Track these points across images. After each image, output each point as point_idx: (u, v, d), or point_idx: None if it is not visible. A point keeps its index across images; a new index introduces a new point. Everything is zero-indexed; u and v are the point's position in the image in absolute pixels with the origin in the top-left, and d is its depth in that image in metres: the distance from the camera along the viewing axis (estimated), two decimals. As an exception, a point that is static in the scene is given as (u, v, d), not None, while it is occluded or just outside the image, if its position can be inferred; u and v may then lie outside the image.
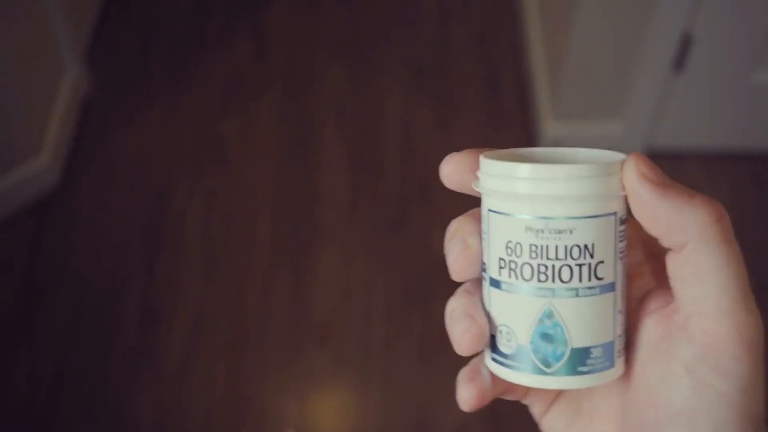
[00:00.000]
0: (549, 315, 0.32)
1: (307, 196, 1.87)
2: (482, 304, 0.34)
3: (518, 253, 0.32)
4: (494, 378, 0.34)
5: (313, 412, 1.59)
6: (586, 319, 0.32)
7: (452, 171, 0.34)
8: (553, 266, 0.31)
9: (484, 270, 0.34)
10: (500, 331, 0.33)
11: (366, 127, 2.00)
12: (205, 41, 2.17)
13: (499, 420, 1.52)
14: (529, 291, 0.32)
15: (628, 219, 0.33)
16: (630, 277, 0.34)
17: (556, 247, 0.31)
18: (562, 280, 0.32)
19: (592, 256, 0.31)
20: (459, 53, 2.14)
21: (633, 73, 1.76)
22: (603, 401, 0.34)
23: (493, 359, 0.34)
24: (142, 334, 1.65)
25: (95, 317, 1.68)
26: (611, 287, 0.32)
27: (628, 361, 0.33)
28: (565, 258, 0.31)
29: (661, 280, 0.32)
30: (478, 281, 0.35)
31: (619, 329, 0.32)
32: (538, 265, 0.32)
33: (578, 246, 0.31)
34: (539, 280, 0.32)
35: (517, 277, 0.32)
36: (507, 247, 0.32)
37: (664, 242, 0.30)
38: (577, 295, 0.32)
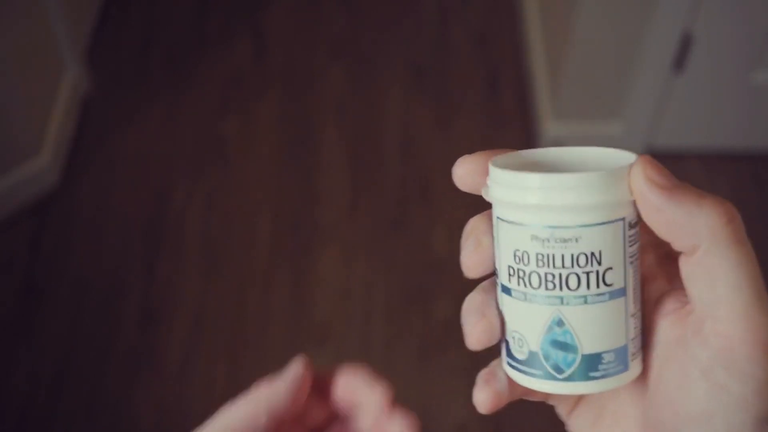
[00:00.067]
0: (558, 323, 0.32)
1: (307, 196, 1.87)
2: (496, 303, 0.34)
3: (526, 261, 0.32)
4: (511, 381, 0.35)
5: (313, 412, 1.59)
6: (596, 326, 0.32)
7: (465, 173, 0.34)
8: (560, 275, 0.31)
9: (496, 274, 0.34)
10: (513, 337, 0.33)
11: (366, 127, 2.00)
12: (205, 41, 2.17)
13: (499, 420, 1.52)
14: (538, 299, 0.32)
15: (639, 222, 0.32)
16: (645, 279, 0.34)
17: (563, 255, 0.31)
18: (569, 288, 0.31)
19: (599, 263, 0.31)
20: (459, 53, 2.14)
21: (633, 73, 1.76)
22: (626, 402, 0.34)
23: (509, 363, 0.34)
24: (142, 334, 1.65)
25: (95, 317, 1.68)
26: (621, 292, 0.32)
27: (646, 363, 0.33)
28: (572, 266, 0.31)
29: (676, 282, 0.32)
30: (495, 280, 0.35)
31: (633, 332, 0.32)
32: (546, 273, 0.32)
33: (585, 254, 0.31)
34: (547, 289, 0.32)
35: (525, 285, 0.32)
36: (515, 256, 0.32)
37: (676, 246, 0.30)
38: (585, 302, 0.32)
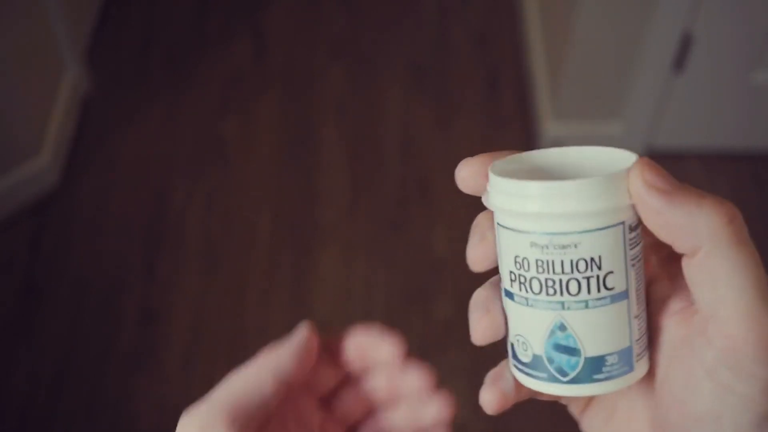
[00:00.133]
0: (561, 327, 0.32)
1: (307, 196, 1.87)
2: (501, 303, 0.35)
3: (526, 267, 0.32)
4: (518, 382, 0.35)
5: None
6: (598, 329, 0.32)
7: (467, 176, 0.34)
8: (560, 280, 0.31)
9: (500, 278, 0.34)
10: (517, 340, 0.34)
11: (366, 127, 2.00)
12: (205, 41, 2.17)
13: (498, 420, 1.52)
14: (540, 304, 0.32)
15: (640, 224, 0.32)
16: (650, 279, 0.34)
17: (562, 261, 0.31)
18: (570, 293, 0.31)
19: (599, 267, 0.31)
20: (459, 53, 2.14)
21: (633, 73, 1.76)
22: (637, 401, 0.34)
23: (515, 365, 0.34)
24: (142, 334, 1.65)
25: (95, 317, 1.68)
26: (623, 295, 0.32)
27: (653, 363, 0.33)
28: (572, 272, 0.31)
29: (680, 282, 0.32)
30: None
31: (637, 334, 0.32)
32: (546, 279, 0.32)
33: (584, 259, 0.31)
34: (548, 294, 0.32)
35: (527, 291, 0.32)
36: (516, 262, 0.32)
37: (677, 248, 0.30)
38: (587, 307, 0.32)
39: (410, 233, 1.80)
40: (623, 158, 0.32)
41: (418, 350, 1.63)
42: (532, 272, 0.32)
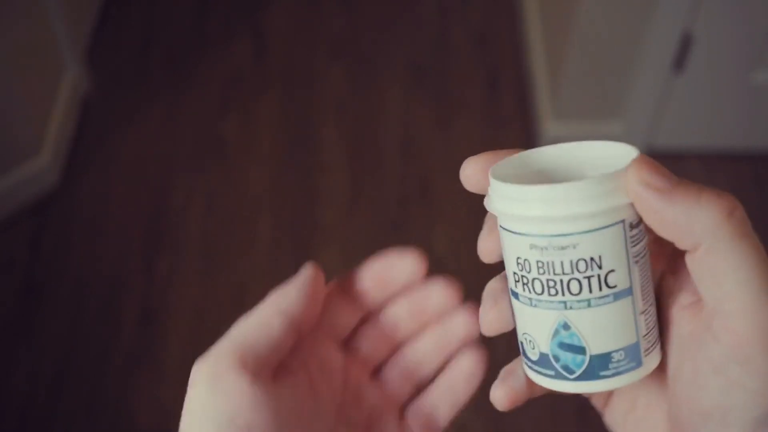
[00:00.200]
0: (565, 326, 0.32)
1: (307, 196, 1.87)
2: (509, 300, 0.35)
3: (528, 269, 0.32)
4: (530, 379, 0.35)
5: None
6: (602, 327, 0.32)
7: (471, 173, 0.35)
8: (562, 281, 0.31)
9: (507, 278, 0.35)
10: (525, 339, 0.34)
11: (366, 127, 2.00)
12: (205, 41, 2.17)
13: (498, 420, 1.52)
14: (543, 304, 0.32)
15: (642, 220, 0.32)
16: (662, 273, 0.34)
17: (562, 262, 0.31)
18: (572, 293, 0.32)
19: (600, 267, 0.31)
20: (459, 53, 2.14)
21: (633, 73, 1.76)
22: (656, 395, 0.34)
23: (525, 363, 0.35)
24: (142, 334, 1.65)
25: (95, 317, 1.68)
26: (627, 292, 0.32)
27: (665, 357, 0.33)
28: (572, 272, 0.31)
29: (689, 276, 0.32)
30: None
31: (644, 329, 0.32)
32: (547, 280, 0.32)
33: (584, 259, 0.31)
34: (550, 294, 0.32)
35: (530, 291, 0.33)
36: (518, 263, 0.33)
37: (679, 245, 0.30)
38: (589, 306, 0.32)
39: (410, 233, 1.80)
40: (624, 153, 0.32)
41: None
42: (534, 273, 0.32)
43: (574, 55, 1.74)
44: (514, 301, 0.34)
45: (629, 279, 0.32)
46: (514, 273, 0.33)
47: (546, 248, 0.31)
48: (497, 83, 2.08)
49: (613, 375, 0.32)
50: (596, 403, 0.36)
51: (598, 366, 0.32)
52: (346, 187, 1.88)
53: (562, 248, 0.31)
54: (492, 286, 0.35)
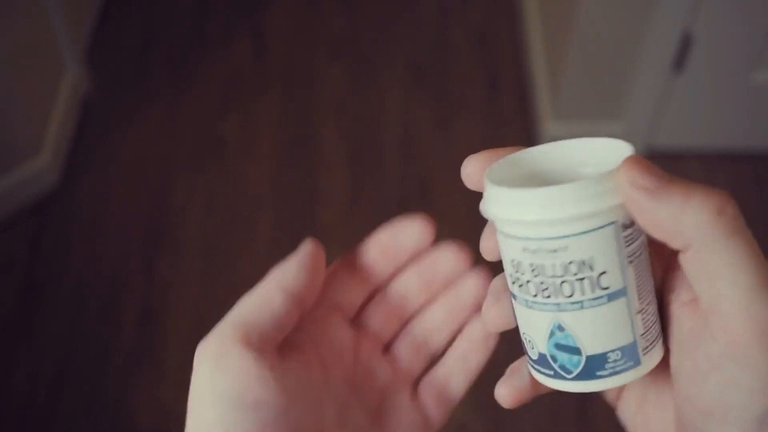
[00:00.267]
0: (559, 327, 0.32)
1: (307, 196, 1.87)
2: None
3: (522, 271, 0.32)
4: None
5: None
6: (596, 328, 0.32)
7: (472, 172, 0.35)
8: (554, 283, 0.32)
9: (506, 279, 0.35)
10: (525, 338, 0.34)
11: (366, 127, 2.00)
12: (205, 41, 2.18)
13: (499, 420, 1.52)
14: (537, 306, 0.32)
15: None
16: (665, 268, 0.33)
17: (553, 265, 0.31)
18: (564, 295, 0.32)
19: (592, 269, 0.31)
20: (459, 53, 2.14)
21: (633, 73, 1.76)
22: (665, 390, 0.34)
23: (528, 361, 0.35)
24: (142, 334, 1.65)
25: (95, 317, 1.68)
26: (621, 293, 0.32)
27: (668, 354, 0.33)
28: (564, 275, 0.31)
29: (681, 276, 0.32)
30: None
31: (642, 328, 0.32)
32: (540, 282, 0.32)
33: (575, 262, 0.31)
34: (544, 296, 0.32)
35: (525, 293, 0.33)
36: (512, 265, 0.33)
37: (671, 246, 0.30)
38: (582, 308, 0.32)
39: (410, 233, 1.80)
40: (620, 150, 0.32)
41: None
42: (528, 276, 0.32)
43: (574, 55, 1.74)
44: (513, 302, 0.34)
45: (623, 280, 0.31)
46: (510, 275, 0.33)
47: (537, 251, 0.31)
48: (497, 83, 2.08)
49: (611, 375, 0.32)
50: (609, 397, 0.36)
51: (595, 366, 0.32)
52: (346, 187, 1.88)
53: (553, 251, 0.31)
54: (495, 283, 0.35)
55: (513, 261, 0.33)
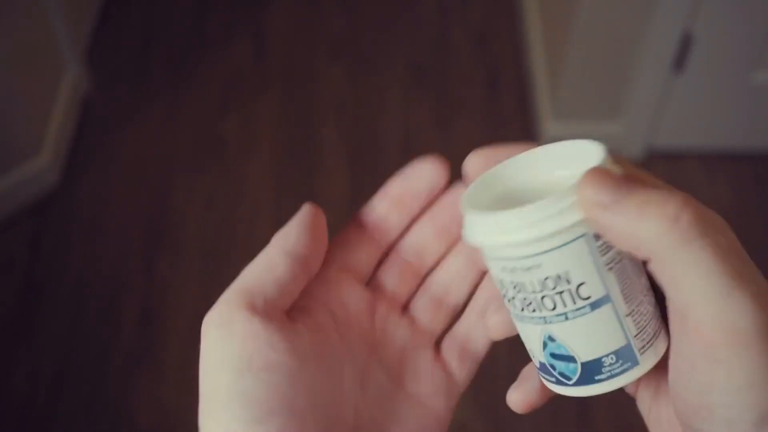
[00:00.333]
0: (550, 338, 0.33)
1: (307, 196, 1.87)
2: None
3: (506, 288, 0.33)
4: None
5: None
6: (585, 337, 0.32)
7: (472, 171, 0.35)
8: (535, 298, 0.32)
9: None
10: (527, 348, 0.35)
11: (366, 127, 2.00)
12: (205, 41, 2.18)
13: (499, 420, 1.52)
14: (527, 320, 0.33)
15: None
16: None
17: (531, 282, 0.32)
18: (548, 309, 0.32)
19: (569, 282, 0.31)
20: (459, 53, 2.14)
21: (633, 73, 1.76)
22: None
23: (536, 367, 0.35)
24: (142, 334, 1.65)
25: (95, 317, 1.68)
26: (605, 300, 0.32)
27: (667, 351, 0.33)
28: (543, 290, 0.32)
29: None
30: None
31: (634, 330, 0.32)
32: (523, 298, 0.32)
33: (551, 277, 0.31)
34: (530, 311, 0.33)
35: (513, 308, 0.33)
36: (498, 283, 0.34)
37: (637, 256, 0.30)
38: (567, 319, 0.32)
39: (410, 233, 1.80)
40: (591, 154, 0.32)
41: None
42: (512, 292, 0.33)
43: (574, 55, 1.74)
44: (510, 316, 0.35)
45: (604, 288, 0.31)
46: (500, 292, 0.34)
47: (514, 270, 0.32)
48: (497, 83, 2.08)
49: (609, 378, 0.33)
50: (629, 390, 0.36)
51: (592, 371, 0.33)
52: (346, 187, 1.88)
53: (528, 269, 0.31)
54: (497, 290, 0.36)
55: (497, 279, 0.33)
